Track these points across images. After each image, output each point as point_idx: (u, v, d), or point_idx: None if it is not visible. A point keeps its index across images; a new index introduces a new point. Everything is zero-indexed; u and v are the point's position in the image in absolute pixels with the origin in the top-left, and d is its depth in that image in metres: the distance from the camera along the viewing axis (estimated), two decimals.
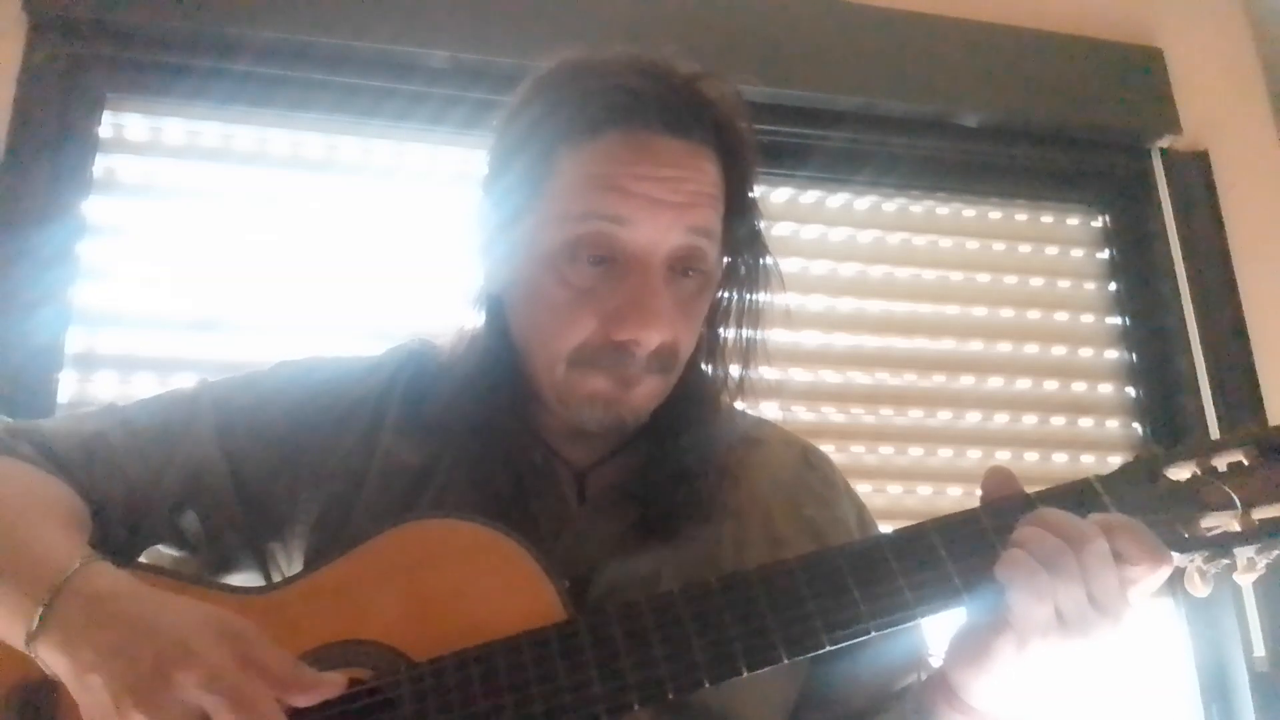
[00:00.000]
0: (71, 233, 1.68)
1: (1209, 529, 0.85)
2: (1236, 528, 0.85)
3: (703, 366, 1.01)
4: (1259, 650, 1.88)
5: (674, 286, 0.91)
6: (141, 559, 0.97)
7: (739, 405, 1.05)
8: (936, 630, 0.95)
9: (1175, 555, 0.85)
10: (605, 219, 0.88)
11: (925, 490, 1.94)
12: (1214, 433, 1.99)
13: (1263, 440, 0.86)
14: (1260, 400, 2.01)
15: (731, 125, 0.94)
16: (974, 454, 1.99)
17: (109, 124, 1.76)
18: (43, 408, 1.57)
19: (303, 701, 0.77)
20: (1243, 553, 0.85)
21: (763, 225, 1.01)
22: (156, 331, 1.70)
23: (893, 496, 1.93)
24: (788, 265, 1.95)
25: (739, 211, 0.97)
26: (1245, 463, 0.86)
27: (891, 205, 2.10)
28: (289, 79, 1.80)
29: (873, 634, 0.82)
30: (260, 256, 1.76)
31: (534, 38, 1.83)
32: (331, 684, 0.78)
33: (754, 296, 1.01)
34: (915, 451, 1.97)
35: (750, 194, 0.98)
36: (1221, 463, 0.86)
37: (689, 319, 0.94)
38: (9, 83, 1.69)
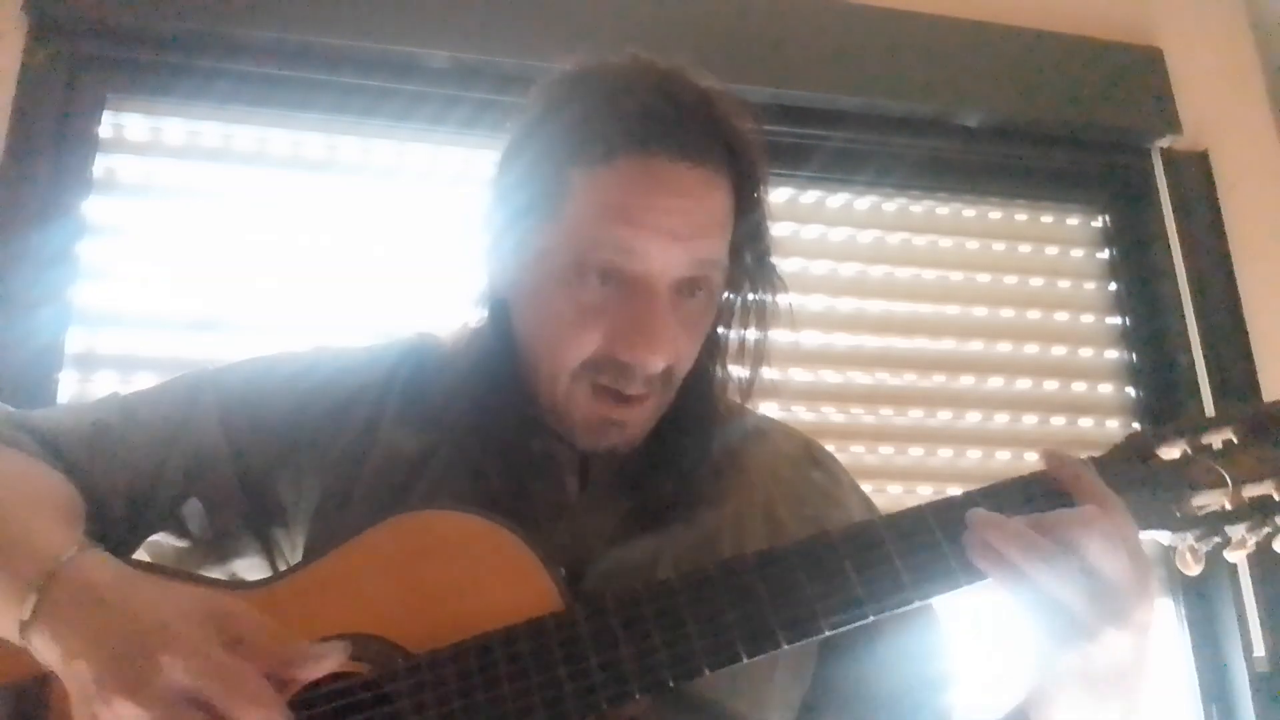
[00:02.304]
0: (71, 233, 1.68)
1: (1200, 507, 0.86)
2: (1227, 505, 0.86)
3: (708, 365, 1.00)
4: (1259, 650, 1.88)
5: (679, 308, 0.91)
6: (141, 551, 0.98)
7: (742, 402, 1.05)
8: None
9: (1168, 534, 0.86)
10: (615, 250, 0.88)
11: (925, 490, 1.94)
12: None
13: (1251, 418, 0.87)
14: (1260, 400, 2.01)
15: (744, 145, 0.93)
16: (974, 454, 1.99)
17: (109, 124, 1.76)
18: (43, 408, 1.56)
19: (302, 675, 0.75)
20: (1234, 530, 0.86)
21: (783, 225, 1.01)
22: (156, 331, 1.70)
23: (893, 496, 1.92)
24: (788, 265, 1.97)
25: (749, 228, 0.97)
26: (1234, 440, 0.87)
27: (891, 205, 2.11)
28: (289, 79, 1.80)
29: (871, 618, 0.82)
30: (260, 257, 1.77)
31: (535, 38, 1.83)
32: (328, 656, 0.76)
33: (759, 298, 1.00)
34: (915, 451, 1.97)
35: (761, 211, 0.98)
36: (1211, 441, 0.87)
37: (692, 336, 0.94)
38: (9, 83, 1.69)
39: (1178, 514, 0.86)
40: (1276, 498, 0.85)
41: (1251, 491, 0.85)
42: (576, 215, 0.89)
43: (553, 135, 0.93)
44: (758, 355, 1.01)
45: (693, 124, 0.90)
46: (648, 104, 0.89)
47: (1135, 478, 0.87)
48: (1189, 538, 0.86)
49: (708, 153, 0.90)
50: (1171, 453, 0.88)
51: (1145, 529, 0.86)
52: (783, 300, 1.01)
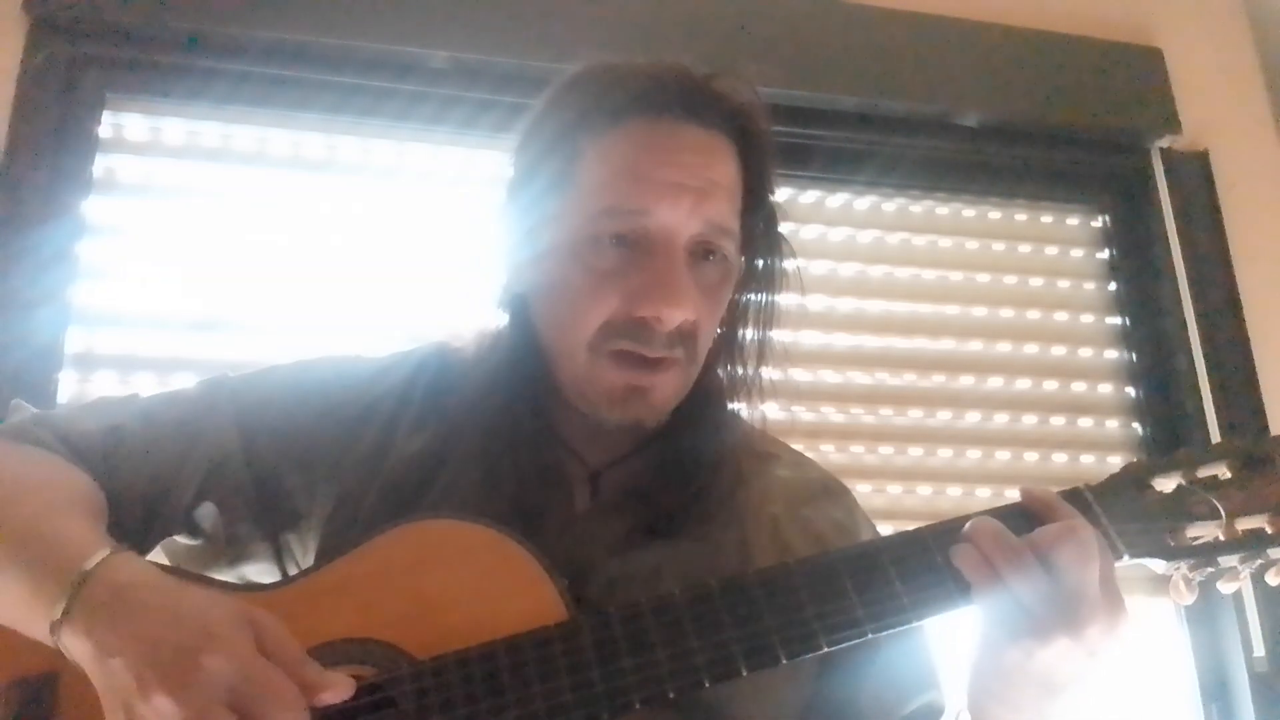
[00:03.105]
0: (71, 233, 1.68)
1: (1194, 538, 0.88)
2: (1221, 537, 0.87)
3: (719, 369, 1.01)
4: (1259, 650, 1.88)
5: (696, 270, 0.92)
6: (156, 551, 0.99)
7: (752, 413, 1.04)
8: (948, 660, 0.97)
9: (1162, 563, 0.88)
10: (626, 211, 0.90)
11: (925, 490, 1.95)
12: (1214, 433, 1.99)
13: (1246, 453, 0.89)
14: (1260, 400, 2.02)
15: (749, 118, 0.96)
16: (974, 454, 1.99)
17: (109, 124, 1.77)
18: (43, 408, 1.56)
19: (315, 701, 0.76)
20: (1226, 561, 0.88)
21: (783, 225, 1.02)
22: (156, 331, 1.70)
23: (892, 496, 1.93)
24: (787, 265, 1.97)
25: (758, 206, 0.98)
26: (1229, 475, 0.89)
27: (891, 205, 2.11)
28: (289, 79, 1.81)
29: (870, 636, 0.83)
30: (260, 257, 1.77)
31: (535, 38, 1.83)
32: (341, 685, 0.77)
33: (771, 298, 1.01)
34: (915, 451, 1.97)
35: (769, 189, 0.99)
36: (1206, 474, 0.89)
37: (711, 304, 0.94)
38: (9, 83, 1.69)
39: (1171, 543, 0.88)
40: (1269, 530, 0.87)
41: (1245, 524, 0.87)
42: (589, 186, 0.91)
43: (561, 119, 0.95)
44: (768, 352, 1.02)
45: (698, 93, 0.93)
46: (654, 75, 0.93)
47: (1130, 507, 0.89)
48: (1182, 567, 0.88)
49: (713, 119, 0.93)
50: (1166, 485, 0.90)
51: (1138, 557, 0.88)
52: (793, 273, 1.02)
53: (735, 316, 1.00)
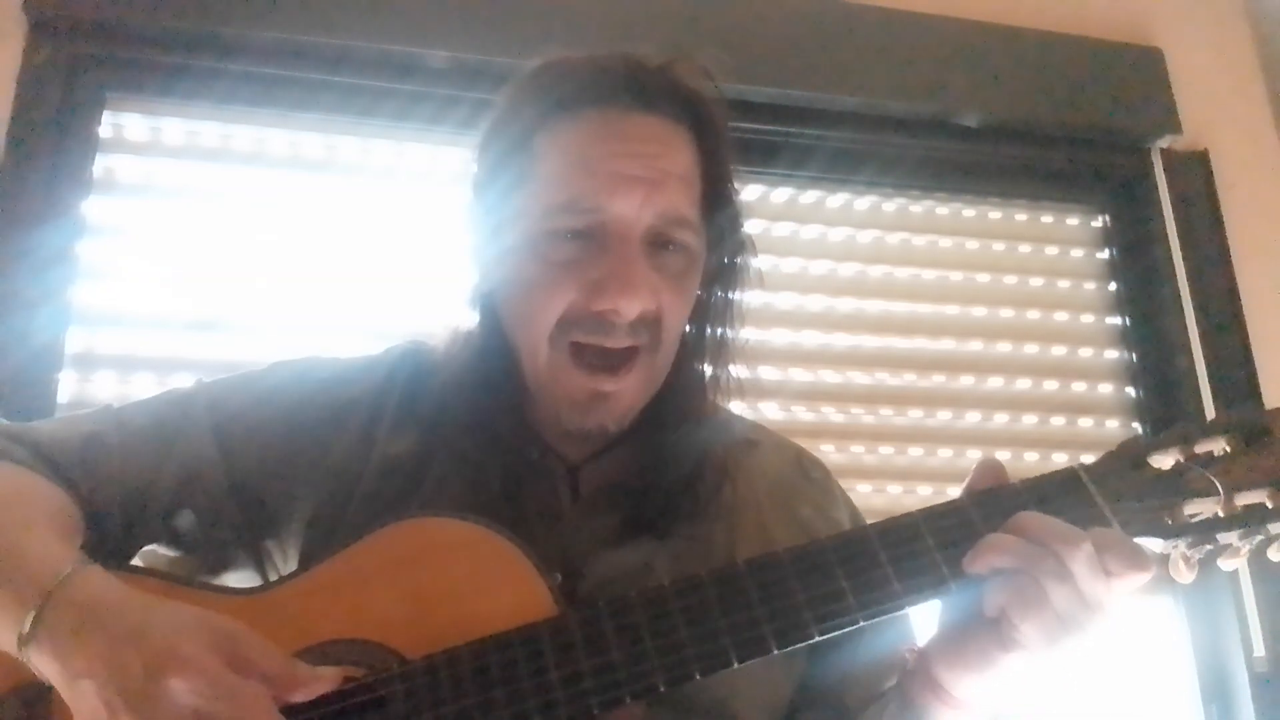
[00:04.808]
0: (71, 233, 1.69)
1: (1192, 515, 0.86)
2: (1220, 514, 0.85)
3: (693, 365, 1.00)
4: (1259, 650, 1.88)
5: (656, 260, 0.92)
6: (136, 561, 0.98)
7: (734, 406, 1.05)
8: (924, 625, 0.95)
9: (1159, 542, 0.86)
10: (581, 210, 0.90)
11: (925, 490, 1.94)
12: None
13: (1244, 427, 0.87)
14: (1260, 400, 2.01)
15: (704, 105, 0.96)
16: (974, 454, 1.99)
17: (109, 124, 1.77)
18: (43, 408, 1.57)
19: (299, 697, 0.77)
20: (1226, 538, 0.86)
21: (743, 216, 1.01)
22: (156, 331, 1.70)
23: (892, 496, 1.92)
24: (788, 265, 1.99)
25: (717, 196, 0.98)
26: (1227, 449, 0.86)
27: (891, 205, 2.11)
28: (288, 79, 1.81)
29: (861, 624, 0.82)
30: (259, 256, 1.77)
31: (533, 38, 1.82)
32: (327, 678, 0.78)
33: (739, 293, 1.01)
34: (915, 451, 1.97)
35: (728, 177, 0.99)
36: (1204, 450, 0.87)
37: (676, 291, 0.94)
38: (9, 83, 1.70)
39: (1169, 521, 0.86)
40: (1270, 505, 0.85)
41: (1244, 499, 0.85)
42: (542, 177, 0.92)
43: (516, 112, 0.96)
44: (740, 348, 1.01)
45: (649, 80, 0.93)
46: (604, 65, 0.94)
47: (1127, 485, 0.87)
48: (1181, 545, 0.86)
49: (665, 106, 0.93)
50: (1164, 461, 0.87)
51: (1136, 535, 0.86)
52: (754, 266, 1.02)
53: (707, 311, 1.00)
